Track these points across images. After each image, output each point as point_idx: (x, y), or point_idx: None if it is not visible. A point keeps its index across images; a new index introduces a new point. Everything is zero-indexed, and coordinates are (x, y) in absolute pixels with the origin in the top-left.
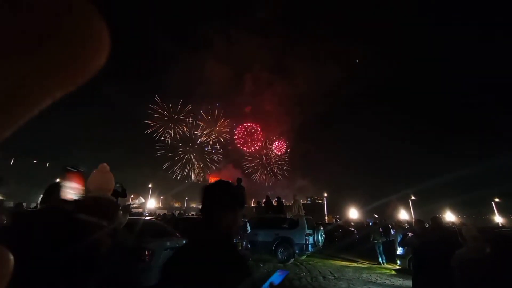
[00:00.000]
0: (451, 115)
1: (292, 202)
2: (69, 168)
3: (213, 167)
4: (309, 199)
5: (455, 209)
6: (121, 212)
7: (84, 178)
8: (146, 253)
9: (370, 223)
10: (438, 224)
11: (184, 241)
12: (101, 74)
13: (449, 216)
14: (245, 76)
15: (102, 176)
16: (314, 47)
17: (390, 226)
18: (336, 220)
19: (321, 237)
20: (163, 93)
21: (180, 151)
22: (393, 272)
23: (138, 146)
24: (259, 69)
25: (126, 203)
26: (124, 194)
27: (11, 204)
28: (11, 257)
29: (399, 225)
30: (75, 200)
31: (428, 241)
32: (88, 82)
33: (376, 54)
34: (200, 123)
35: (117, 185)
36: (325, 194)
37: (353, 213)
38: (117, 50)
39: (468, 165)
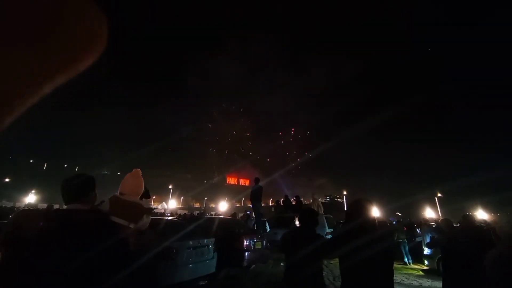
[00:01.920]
0: (481, 113)
1: (311, 201)
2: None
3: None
4: (328, 197)
5: (489, 207)
6: (145, 214)
7: (104, 181)
8: (171, 251)
9: (394, 222)
10: (470, 222)
11: (205, 240)
12: (116, 76)
13: (481, 214)
14: (262, 74)
15: (134, 181)
16: (333, 44)
17: (415, 225)
18: None
19: None
20: (181, 94)
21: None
22: (421, 272)
23: (159, 148)
24: (276, 67)
25: (149, 205)
26: (147, 195)
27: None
28: None
29: (426, 223)
30: (110, 202)
31: (458, 241)
32: (109, 88)
33: (399, 52)
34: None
35: None
36: (345, 192)
37: (375, 212)
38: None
39: (504, 162)
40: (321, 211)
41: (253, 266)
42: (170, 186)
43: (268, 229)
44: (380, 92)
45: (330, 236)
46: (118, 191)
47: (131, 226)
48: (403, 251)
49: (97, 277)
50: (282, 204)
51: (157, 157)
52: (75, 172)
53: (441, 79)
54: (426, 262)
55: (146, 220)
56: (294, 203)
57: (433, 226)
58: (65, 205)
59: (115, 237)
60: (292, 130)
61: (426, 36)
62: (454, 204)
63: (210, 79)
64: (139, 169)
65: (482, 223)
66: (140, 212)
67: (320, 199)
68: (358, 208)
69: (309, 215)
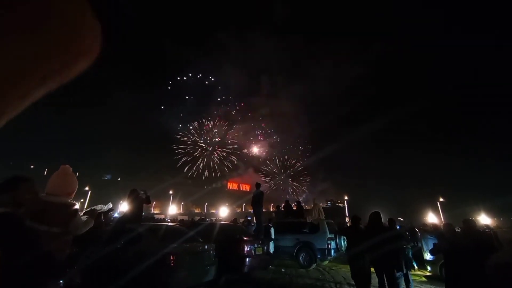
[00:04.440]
0: (485, 117)
1: (312, 206)
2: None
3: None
4: (329, 202)
5: (491, 212)
6: (86, 216)
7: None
8: (171, 257)
9: (398, 227)
10: (471, 227)
11: (206, 246)
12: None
13: (484, 219)
14: (262, 78)
15: (60, 179)
16: (335, 47)
17: (417, 229)
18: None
19: (344, 242)
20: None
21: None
22: (423, 278)
23: (157, 153)
24: (277, 72)
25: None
26: (148, 201)
27: None
28: None
29: (424, 229)
30: (27, 204)
31: (460, 246)
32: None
33: (401, 52)
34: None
35: (141, 192)
36: (346, 197)
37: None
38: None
39: (507, 167)
40: (322, 216)
41: (254, 272)
42: (171, 192)
43: (273, 236)
44: (382, 96)
45: (332, 241)
46: (45, 192)
47: (55, 230)
48: (408, 256)
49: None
50: (283, 209)
51: (157, 162)
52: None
53: (445, 83)
54: (428, 267)
55: (79, 222)
56: (295, 208)
57: (431, 230)
58: None
59: (26, 242)
60: (293, 136)
61: (432, 39)
62: (457, 209)
63: (211, 82)
64: (67, 166)
65: (485, 228)
66: (68, 214)
67: (321, 204)
68: (377, 217)
69: (354, 218)
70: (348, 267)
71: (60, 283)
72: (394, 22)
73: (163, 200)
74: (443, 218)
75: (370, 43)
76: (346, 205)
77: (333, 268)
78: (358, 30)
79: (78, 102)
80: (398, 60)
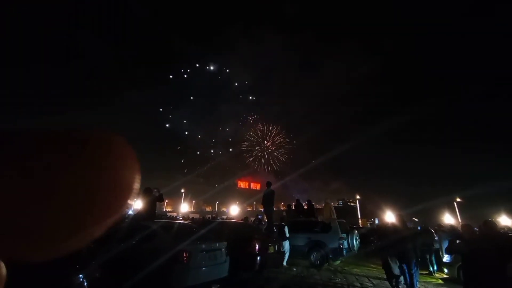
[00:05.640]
0: (505, 112)
1: (324, 205)
2: None
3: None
4: (340, 201)
5: None
6: None
7: None
8: (184, 254)
9: (419, 228)
10: (491, 229)
11: (217, 244)
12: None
13: (505, 220)
14: (274, 76)
15: None
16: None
17: (432, 231)
18: (370, 224)
19: (356, 242)
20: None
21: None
22: (440, 281)
23: (170, 152)
24: (289, 69)
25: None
26: (161, 199)
27: None
28: (3, 265)
29: (441, 229)
30: None
31: (480, 248)
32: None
33: (418, 48)
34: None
35: (155, 190)
36: (358, 197)
37: (390, 217)
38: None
39: None
40: (334, 216)
41: (266, 270)
42: (182, 190)
43: (287, 235)
44: (397, 91)
45: (344, 241)
46: None
47: None
48: (428, 259)
49: None
50: (294, 208)
51: (170, 160)
52: None
53: (466, 77)
54: (445, 270)
55: None
56: (306, 207)
57: (448, 230)
58: None
59: None
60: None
61: (449, 32)
62: (475, 209)
63: (222, 80)
64: None
65: (506, 230)
66: None
67: (332, 203)
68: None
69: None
70: (360, 267)
71: (80, 276)
72: (405, 18)
73: (175, 198)
74: (460, 218)
75: (381, 39)
76: (358, 205)
77: (345, 268)
78: (367, 27)
79: (105, 102)
80: (412, 53)
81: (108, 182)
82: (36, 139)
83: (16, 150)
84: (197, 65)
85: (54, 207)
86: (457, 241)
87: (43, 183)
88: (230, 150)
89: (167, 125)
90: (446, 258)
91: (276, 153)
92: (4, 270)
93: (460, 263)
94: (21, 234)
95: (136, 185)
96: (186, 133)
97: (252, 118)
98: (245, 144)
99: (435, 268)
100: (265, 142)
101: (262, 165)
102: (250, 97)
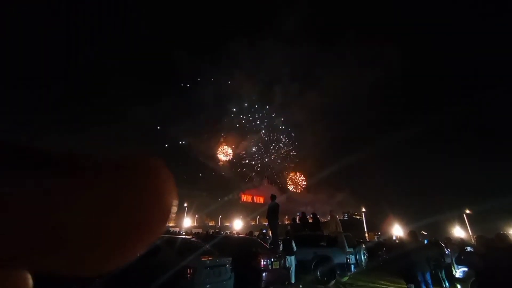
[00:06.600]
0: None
1: (329, 218)
2: None
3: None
4: (345, 214)
5: None
6: None
7: None
8: (188, 271)
9: (425, 241)
10: (504, 241)
11: (222, 259)
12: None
13: None
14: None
15: None
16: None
17: (443, 244)
18: (377, 237)
19: (364, 256)
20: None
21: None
22: None
23: (174, 163)
24: (291, 81)
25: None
26: None
27: None
28: (30, 278)
29: (451, 243)
30: None
31: (496, 263)
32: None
33: (417, 61)
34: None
35: None
36: (363, 209)
37: (397, 230)
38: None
39: None
40: (340, 229)
41: (271, 287)
42: (185, 204)
43: (295, 249)
44: (404, 101)
45: (352, 255)
46: None
47: None
48: (440, 275)
49: None
50: (299, 221)
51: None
52: None
53: (477, 86)
54: (458, 286)
55: None
56: (311, 220)
57: (458, 244)
58: None
59: None
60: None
61: (458, 40)
62: (485, 223)
63: (223, 92)
64: None
65: None
66: None
67: (337, 216)
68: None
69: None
70: (369, 284)
71: None
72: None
73: (178, 212)
74: (471, 231)
75: (385, 46)
76: (364, 218)
77: (354, 285)
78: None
79: (116, 118)
80: (421, 62)
81: (150, 205)
82: (92, 164)
83: (70, 173)
84: (198, 79)
85: (100, 227)
86: (466, 249)
87: (93, 205)
88: (234, 160)
89: (181, 142)
90: (458, 273)
91: (280, 164)
92: (30, 281)
93: (473, 278)
94: (65, 250)
95: (174, 208)
96: (183, 142)
97: (257, 130)
98: (245, 158)
99: (447, 284)
100: (269, 154)
101: (265, 177)
102: (252, 109)
